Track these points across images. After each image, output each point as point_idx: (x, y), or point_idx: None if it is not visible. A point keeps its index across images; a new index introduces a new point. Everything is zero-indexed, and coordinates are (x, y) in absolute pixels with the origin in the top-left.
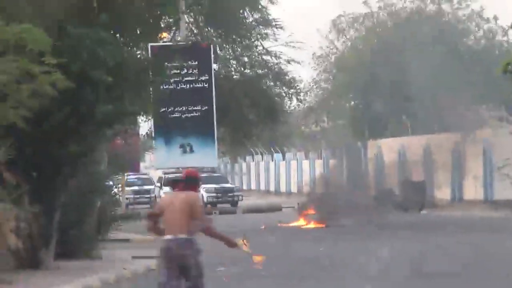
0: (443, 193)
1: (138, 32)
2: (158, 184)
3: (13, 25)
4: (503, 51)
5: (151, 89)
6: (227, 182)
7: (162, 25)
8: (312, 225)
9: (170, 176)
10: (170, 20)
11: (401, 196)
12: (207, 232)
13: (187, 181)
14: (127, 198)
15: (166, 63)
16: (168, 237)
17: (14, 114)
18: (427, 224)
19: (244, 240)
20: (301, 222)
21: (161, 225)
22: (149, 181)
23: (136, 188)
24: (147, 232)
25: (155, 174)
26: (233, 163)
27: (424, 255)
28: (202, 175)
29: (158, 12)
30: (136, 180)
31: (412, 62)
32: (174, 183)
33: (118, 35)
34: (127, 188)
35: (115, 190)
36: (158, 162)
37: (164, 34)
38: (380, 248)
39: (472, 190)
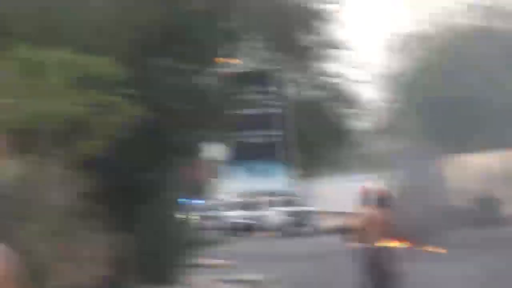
0: None
1: (212, 60)
2: (230, 209)
3: (90, 58)
4: None
5: (225, 116)
6: (302, 204)
7: (235, 53)
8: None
9: (242, 200)
10: (243, 48)
11: (473, 211)
12: (392, 238)
13: (379, 201)
14: (199, 224)
15: (239, 90)
16: (369, 246)
17: (94, 145)
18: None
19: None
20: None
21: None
22: (220, 207)
23: (207, 214)
24: (348, 242)
25: (226, 199)
26: (306, 185)
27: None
28: (277, 198)
29: (232, 41)
30: (206, 206)
31: (484, 78)
32: (366, 203)
33: (191, 64)
34: (197, 214)
35: (189, 216)
36: (232, 187)
37: (237, 61)
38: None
39: None
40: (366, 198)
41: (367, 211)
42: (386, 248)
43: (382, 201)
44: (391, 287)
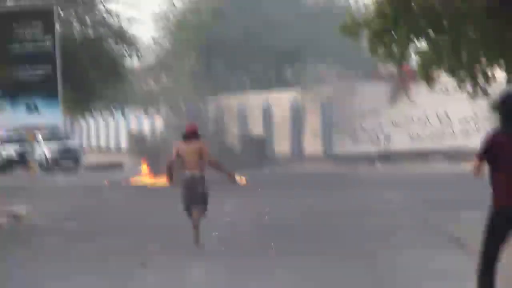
0: (283, 148)
1: None
2: None
3: None
4: (342, 11)
5: None
6: (69, 139)
7: None
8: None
9: (10, 135)
10: None
11: (240, 151)
12: (213, 165)
13: (191, 134)
14: None
15: (11, 25)
16: (187, 173)
17: None
18: (270, 180)
19: (242, 177)
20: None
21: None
22: None
23: None
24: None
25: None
26: (74, 121)
27: (266, 210)
28: (44, 133)
29: None
30: None
31: (250, 20)
32: (183, 136)
33: None
34: None
35: None
36: (4, 122)
37: None
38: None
39: (312, 145)
40: (187, 133)
41: (184, 143)
42: (199, 174)
43: (194, 134)
44: (204, 206)
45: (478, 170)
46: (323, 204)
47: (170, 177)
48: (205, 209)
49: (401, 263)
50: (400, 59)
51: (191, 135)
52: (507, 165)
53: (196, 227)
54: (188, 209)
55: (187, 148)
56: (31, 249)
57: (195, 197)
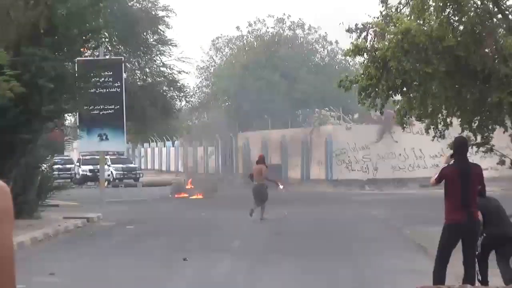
0: (295, 174)
1: (72, 50)
2: (77, 164)
3: None
4: (341, 67)
5: (80, 93)
6: (131, 162)
7: (88, 45)
8: (194, 196)
9: (86, 157)
10: (94, 42)
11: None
12: (267, 179)
13: (260, 160)
14: (54, 174)
15: (90, 74)
16: (255, 183)
17: None
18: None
19: (282, 185)
20: (186, 194)
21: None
22: (70, 161)
23: (60, 166)
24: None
25: (75, 156)
26: (135, 148)
27: (283, 220)
28: (112, 157)
29: (87, 37)
30: (60, 160)
31: (271, 73)
32: (256, 161)
33: (57, 53)
34: (55, 166)
35: (48, 167)
36: (81, 147)
37: (87, 51)
38: (246, 215)
39: (317, 171)
40: (258, 159)
41: (258, 166)
42: (261, 183)
43: (261, 160)
44: (264, 202)
45: (433, 185)
46: (324, 216)
47: (252, 180)
48: (264, 204)
49: (378, 262)
50: (381, 109)
51: (260, 160)
52: (453, 193)
53: (253, 211)
54: (255, 202)
55: (256, 168)
56: (98, 243)
57: (260, 197)
